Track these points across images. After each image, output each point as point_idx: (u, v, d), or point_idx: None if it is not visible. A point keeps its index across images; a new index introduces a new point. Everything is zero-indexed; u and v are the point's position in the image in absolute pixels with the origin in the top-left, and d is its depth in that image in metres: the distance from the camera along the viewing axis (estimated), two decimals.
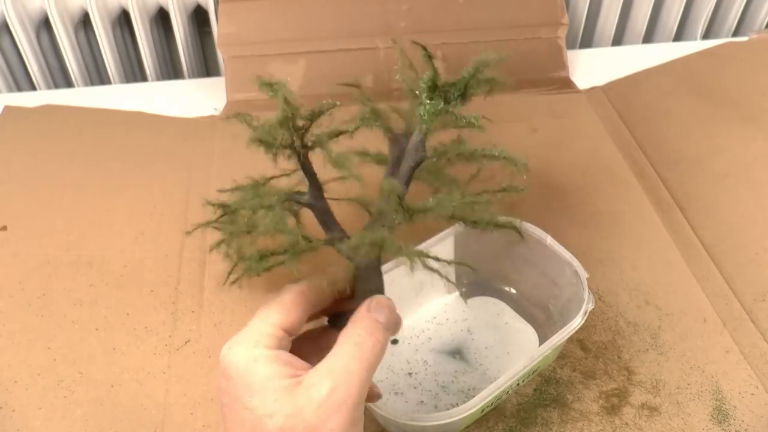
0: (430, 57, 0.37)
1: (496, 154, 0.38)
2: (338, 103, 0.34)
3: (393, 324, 0.34)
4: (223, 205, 0.36)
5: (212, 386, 0.49)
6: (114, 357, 0.51)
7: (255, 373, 0.31)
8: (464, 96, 0.37)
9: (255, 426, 0.30)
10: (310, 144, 0.35)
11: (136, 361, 0.51)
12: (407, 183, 0.37)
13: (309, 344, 0.36)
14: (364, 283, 0.36)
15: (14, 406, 0.48)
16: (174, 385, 0.49)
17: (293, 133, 0.33)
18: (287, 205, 0.35)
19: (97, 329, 0.53)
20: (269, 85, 0.34)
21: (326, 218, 0.36)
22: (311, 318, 0.36)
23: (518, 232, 0.47)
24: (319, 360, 0.32)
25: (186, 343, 0.52)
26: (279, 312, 0.33)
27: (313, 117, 0.34)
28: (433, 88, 0.36)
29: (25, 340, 0.52)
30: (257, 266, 0.34)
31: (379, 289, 0.37)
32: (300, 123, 0.34)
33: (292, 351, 0.34)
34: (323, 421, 0.29)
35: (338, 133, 0.35)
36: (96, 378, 0.49)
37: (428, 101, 0.36)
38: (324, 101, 0.34)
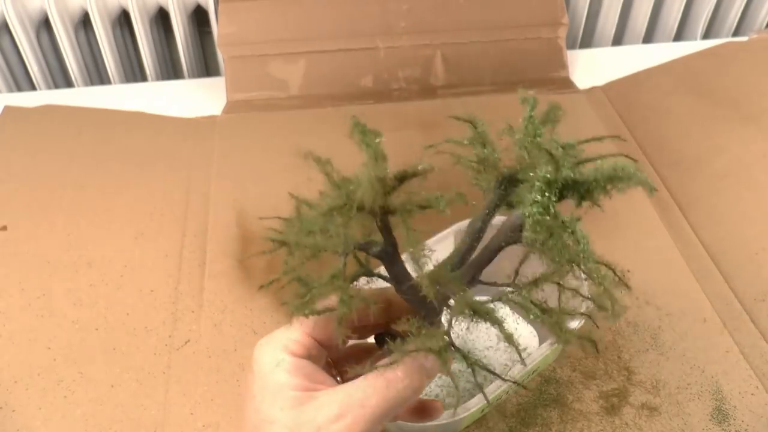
0: (551, 153, 0.31)
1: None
2: (434, 168, 0.29)
3: (435, 372, 0.33)
4: (281, 242, 0.31)
5: (212, 386, 0.49)
6: (114, 357, 0.51)
7: (273, 376, 0.30)
8: (583, 199, 0.32)
9: (256, 428, 0.30)
10: (393, 209, 0.30)
11: (136, 361, 0.51)
12: (486, 262, 0.34)
13: (355, 357, 0.35)
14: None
15: (14, 406, 0.48)
16: (174, 385, 0.49)
17: (378, 195, 0.28)
18: (354, 253, 0.31)
19: (97, 329, 0.53)
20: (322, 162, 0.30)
21: (397, 271, 0.33)
22: (360, 333, 0.35)
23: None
24: (353, 377, 0.31)
25: (186, 343, 0.52)
26: (316, 322, 0.32)
27: (404, 178, 0.29)
28: (550, 184, 0.31)
29: (25, 340, 0.52)
30: (303, 308, 0.31)
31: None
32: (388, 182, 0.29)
33: (339, 360, 0.33)
34: None
35: (426, 206, 0.30)
36: (96, 378, 0.49)
37: (539, 197, 0.31)
38: (420, 165, 0.29)
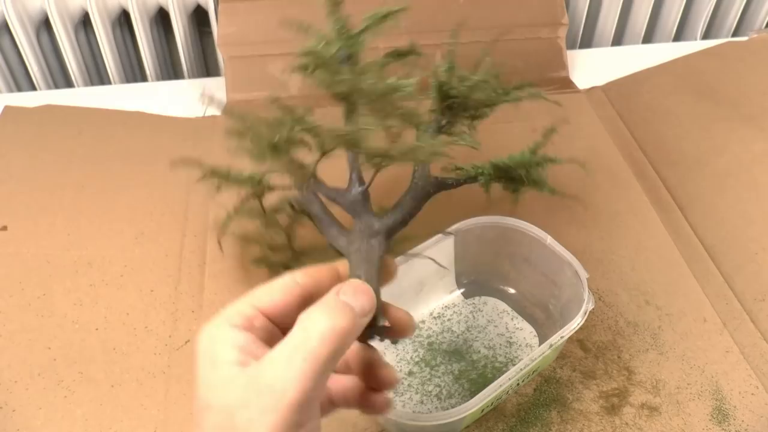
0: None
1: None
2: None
3: (368, 310, 0.30)
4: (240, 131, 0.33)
5: None
6: (114, 357, 0.51)
7: (207, 354, 0.28)
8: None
9: (199, 411, 0.27)
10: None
11: (136, 361, 0.51)
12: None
13: None
14: (353, 270, 0.34)
15: (14, 406, 0.48)
16: (174, 385, 0.49)
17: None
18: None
19: (97, 329, 0.53)
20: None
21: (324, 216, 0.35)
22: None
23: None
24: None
25: (186, 343, 0.52)
26: (262, 293, 0.30)
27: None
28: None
29: (25, 340, 0.52)
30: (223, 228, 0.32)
31: (369, 281, 0.34)
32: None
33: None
34: (251, 423, 0.26)
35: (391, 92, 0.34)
36: (96, 378, 0.49)
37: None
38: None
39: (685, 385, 0.49)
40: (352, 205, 0.36)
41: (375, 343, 0.35)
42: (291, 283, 0.31)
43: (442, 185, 0.39)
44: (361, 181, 0.36)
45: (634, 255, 0.59)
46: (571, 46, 0.98)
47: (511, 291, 0.55)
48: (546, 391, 0.49)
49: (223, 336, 0.28)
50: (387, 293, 0.50)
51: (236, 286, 0.56)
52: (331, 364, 0.27)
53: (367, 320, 0.30)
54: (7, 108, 0.75)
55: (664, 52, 0.86)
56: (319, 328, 0.27)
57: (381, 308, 0.33)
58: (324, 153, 0.34)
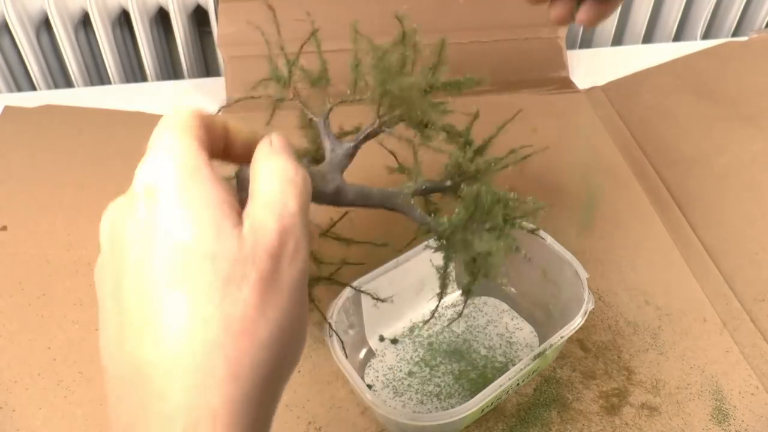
0: None
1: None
2: None
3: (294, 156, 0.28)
4: None
5: None
6: None
7: (194, 190, 0.23)
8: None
9: (186, 267, 0.22)
10: None
11: None
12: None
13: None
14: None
15: (14, 406, 0.48)
16: None
17: None
18: None
19: (97, 329, 0.52)
20: None
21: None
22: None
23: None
24: None
25: None
26: (199, 124, 0.26)
27: None
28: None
29: (25, 340, 0.52)
30: None
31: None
32: None
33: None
34: (278, 265, 0.23)
35: None
36: (96, 378, 0.49)
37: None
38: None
39: (685, 385, 0.49)
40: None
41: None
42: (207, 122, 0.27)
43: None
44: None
45: (634, 255, 0.59)
46: (571, 46, 0.98)
47: (511, 291, 0.55)
48: (546, 391, 0.49)
49: (202, 168, 0.24)
50: (387, 293, 0.50)
51: None
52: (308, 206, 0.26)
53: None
54: (7, 108, 0.75)
55: (664, 52, 0.86)
56: (284, 181, 0.25)
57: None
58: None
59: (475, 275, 0.35)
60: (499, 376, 0.42)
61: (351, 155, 0.36)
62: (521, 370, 0.43)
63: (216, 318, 0.22)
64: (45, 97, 0.79)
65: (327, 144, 0.36)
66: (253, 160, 0.27)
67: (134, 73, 0.97)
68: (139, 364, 0.22)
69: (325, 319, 0.44)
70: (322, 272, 0.40)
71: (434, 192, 0.38)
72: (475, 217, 0.34)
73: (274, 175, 0.25)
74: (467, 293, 0.36)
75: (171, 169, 0.24)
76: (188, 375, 0.22)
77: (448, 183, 0.38)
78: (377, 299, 0.44)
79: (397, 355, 0.51)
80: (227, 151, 0.29)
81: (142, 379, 0.22)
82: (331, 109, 0.38)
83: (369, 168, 0.40)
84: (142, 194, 0.24)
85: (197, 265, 0.22)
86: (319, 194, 0.33)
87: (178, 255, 0.23)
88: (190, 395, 0.22)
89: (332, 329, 0.43)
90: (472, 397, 0.41)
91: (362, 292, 0.44)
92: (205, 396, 0.22)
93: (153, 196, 0.24)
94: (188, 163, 0.24)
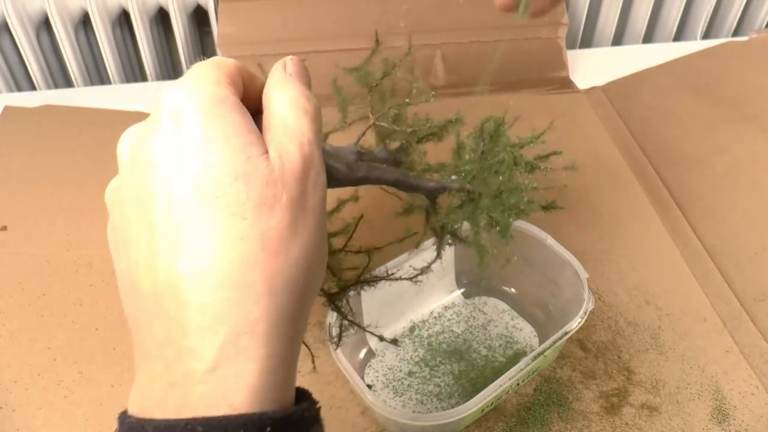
0: None
1: None
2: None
3: (309, 80, 0.29)
4: None
5: None
6: (114, 357, 0.51)
7: (223, 117, 0.24)
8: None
9: (218, 186, 0.23)
10: None
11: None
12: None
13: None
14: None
15: (14, 406, 0.48)
16: None
17: None
18: None
19: (97, 329, 0.53)
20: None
21: None
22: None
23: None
24: None
25: None
26: (231, 65, 0.26)
27: None
28: None
29: (25, 340, 0.52)
30: None
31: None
32: None
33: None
34: (305, 190, 0.24)
35: None
36: (96, 378, 0.49)
37: None
38: None
39: (685, 385, 0.49)
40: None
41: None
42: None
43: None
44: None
45: (634, 255, 0.59)
46: (571, 46, 0.98)
47: (511, 291, 0.55)
48: (546, 391, 0.49)
49: (230, 97, 0.25)
50: (387, 293, 0.50)
51: None
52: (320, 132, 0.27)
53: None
54: (7, 108, 0.75)
55: (664, 52, 0.86)
56: (302, 112, 0.26)
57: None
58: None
59: (503, 215, 0.36)
60: (499, 376, 0.42)
61: (357, 152, 0.36)
62: (521, 370, 0.43)
63: (252, 236, 0.23)
64: (45, 97, 0.79)
65: (327, 147, 0.36)
66: (267, 84, 0.27)
67: (134, 73, 0.97)
68: (175, 279, 0.23)
69: (340, 312, 0.44)
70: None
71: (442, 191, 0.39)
72: (487, 154, 0.36)
73: (290, 104, 0.26)
74: (505, 234, 0.37)
75: (201, 95, 0.24)
76: (227, 288, 0.22)
77: (454, 180, 0.38)
78: (385, 339, 0.48)
79: (397, 355, 0.51)
80: (244, 99, 0.29)
81: (178, 293, 0.22)
82: (327, 136, 0.38)
83: None
84: (170, 117, 0.24)
85: (230, 185, 0.23)
86: (332, 169, 0.33)
87: (209, 174, 0.23)
88: (229, 308, 0.22)
89: (344, 327, 0.43)
90: (472, 397, 0.41)
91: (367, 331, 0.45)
92: (245, 309, 0.22)
93: (180, 119, 0.24)
94: (218, 92, 0.25)
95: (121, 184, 0.25)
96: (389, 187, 0.37)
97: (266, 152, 0.24)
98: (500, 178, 0.37)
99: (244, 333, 0.22)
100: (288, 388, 0.24)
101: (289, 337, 0.24)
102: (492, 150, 0.37)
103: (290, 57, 0.29)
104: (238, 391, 0.22)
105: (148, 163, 0.24)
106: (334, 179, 0.33)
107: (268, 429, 0.22)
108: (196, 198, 0.23)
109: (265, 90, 0.27)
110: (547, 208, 0.39)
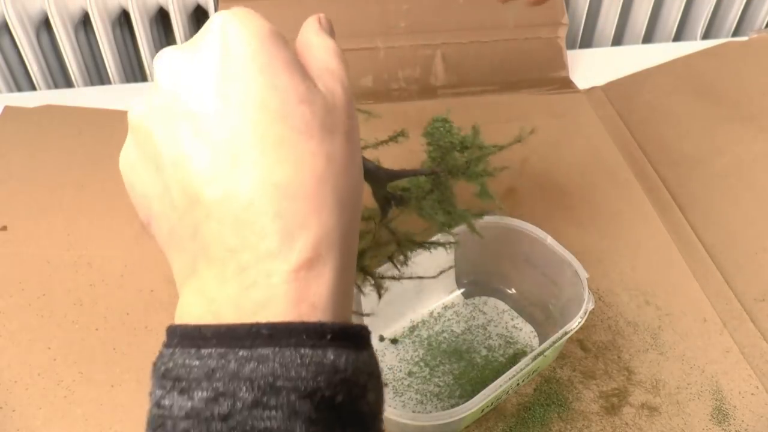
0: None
1: None
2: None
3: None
4: None
5: None
6: (114, 357, 0.51)
7: (281, 47, 0.25)
8: None
9: (285, 106, 0.24)
10: None
11: (136, 361, 0.51)
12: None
13: None
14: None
15: (14, 406, 0.48)
16: None
17: None
18: None
19: (97, 329, 0.53)
20: None
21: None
22: None
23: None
24: None
25: None
26: None
27: None
28: None
29: (25, 340, 0.52)
30: None
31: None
32: None
33: None
34: (352, 123, 0.26)
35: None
36: (96, 378, 0.49)
37: None
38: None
39: (685, 385, 0.49)
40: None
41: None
42: None
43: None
44: None
45: (634, 255, 0.59)
46: (571, 46, 0.98)
47: (511, 291, 0.55)
48: (546, 391, 0.49)
49: (280, 33, 0.26)
50: (387, 293, 0.50)
51: None
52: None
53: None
54: (7, 108, 0.75)
55: (664, 52, 0.86)
56: (340, 59, 0.28)
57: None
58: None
59: (477, 180, 0.40)
60: (499, 376, 0.42)
61: None
62: (521, 370, 0.43)
63: (320, 154, 0.24)
64: (45, 97, 0.79)
65: None
66: (302, 34, 0.29)
67: (134, 73, 0.97)
68: (247, 188, 0.23)
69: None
70: None
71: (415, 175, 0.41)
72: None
73: (330, 50, 0.28)
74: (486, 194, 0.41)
75: (258, 25, 0.25)
76: (303, 199, 0.23)
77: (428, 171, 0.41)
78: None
79: (397, 355, 0.51)
80: None
81: (254, 202, 0.23)
82: None
83: None
84: (225, 40, 0.25)
85: (297, 107, 0.24)
86: None
87: (277, 95, 0.24)
88: (307, 217, 0.24)
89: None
90: (472, 397, 0.41)
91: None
92: (322, 219, 0.24)
93: (240, 42, 0.25)
94: (271, 26, 0.26)
95: (160, 104, 0.26)
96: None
97: (317, 86, 0.26)
98: (465, 154, 0.40)
99: (323, 238, 0.24)
100: (348, 304, 0.26)
101: (352, 252, 0.26)
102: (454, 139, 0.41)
103: (323, 15, 0.30)
104: (317, 293, 0.23)
105: (201, 81, 0.24)
106: None
107: (329, 336, 0.23)
108: (265, 116, 0.24)
109: (300, 39, 0.29)
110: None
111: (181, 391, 0.22)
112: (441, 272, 0.49)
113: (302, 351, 0.22)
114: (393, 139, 0.42)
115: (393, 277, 0.43)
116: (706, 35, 1.03)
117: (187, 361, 0.22)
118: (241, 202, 0.23)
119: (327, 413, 0.22)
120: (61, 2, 0.82)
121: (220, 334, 0.23)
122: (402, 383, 0.49)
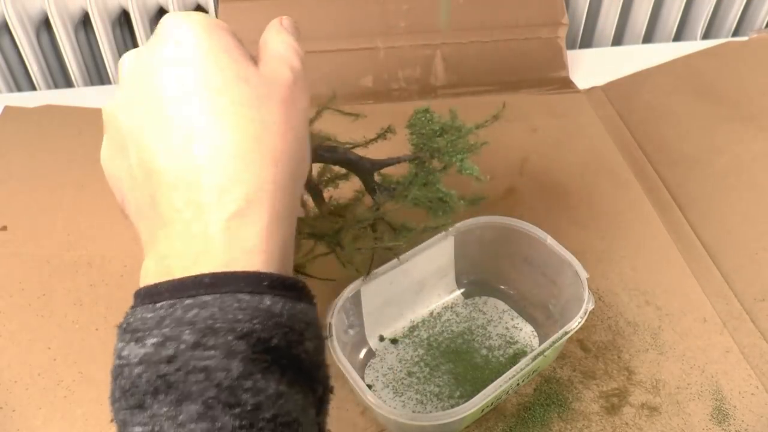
0: None
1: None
2: None
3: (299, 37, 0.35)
4: None
5: None
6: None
7: (222, 36, 0.29)
8: None
9: (226, 83, 0.28)
10: None
11: None
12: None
13: None
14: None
15: (14, 406, 0.48)
16: None
17: None
18: None
19: (97, 329, 0.53)
20: None
21: None
22: None
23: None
24: None
25: None
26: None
27: None
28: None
29: (25, 340, 0.52)
30: None
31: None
32: None
33: None
34: (293, 93, 0.30)
35: None
36: (96, 378, 0.49)
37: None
38: None
39: (685, 385, 0.49)
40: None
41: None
42: None
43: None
44: None
45: (634, 255, 0.59)
46: (571, 46, 0.98)
47: (511, 291, 0.55)
48: (546, 391, 0.49)
49: (223, 25, 0.30)
50: (388, 293, 0.51)
51: None
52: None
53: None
54: (7, 108, 0.75)
55: (664, 52, 0.86)
56: (293, 49, 0.32)
57: None
58: None
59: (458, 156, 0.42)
60: (499, 376, 0.42)
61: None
62: (521, 370, 0.43)
63: (257, 120, 0.28)
64: (45, 97, 0.79)
65: None
66: (265, 30, 0.33)
67: None
68: (193, 155, 0.27)
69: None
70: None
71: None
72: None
73: (284, 42, 0.32)
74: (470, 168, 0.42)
75: (201, 19, 0.29)
76: (239, 158, 0.27)
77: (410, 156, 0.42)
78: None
79: (397, 355, 0.51)
80: None
81: (197, 165, 0.27)
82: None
83: None
84: (174, 34, 0.29)
85: (236, 83, 0.28)
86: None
87: (219, 74, 0.28)
88: (242, 172, 0.27)
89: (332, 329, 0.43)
90: (472, 397, 0.41)
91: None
92: (255, 173, 0.27)
93: (187, 34, 0.28)
94: (213, 20, 0.29)
95: (123, 97, 0.30)
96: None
97: (258, 68, 0.29)
98: (444, 137, 0.42)
99: (255, 191, 0.27)
100: (288, 257, 0.28)
101: (289, 208, 0.28)
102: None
103: (286, 16, 0.34)
104: (249, 238, 0.26)
105: (157, 68, 0.28)
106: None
107: (266, 283, 0.26)
108: (209, 92, 0.27)
109: (263, 35, 0.32)
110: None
111: (137, 341, 0.25)
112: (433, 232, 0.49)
113: (240, 297, 0.25)
114: (381, 136, 0.44)
115: (373, 247, 0.44)
116: (706, 35, 1.03)
117: (143, 315, 0.26)
118: (187, 165, 0.27)
119: (264, 355, 0.25)
120: (61, 2, 0.82)
121: (171, 288, 0.26)
122: (402, 383, 0.49)
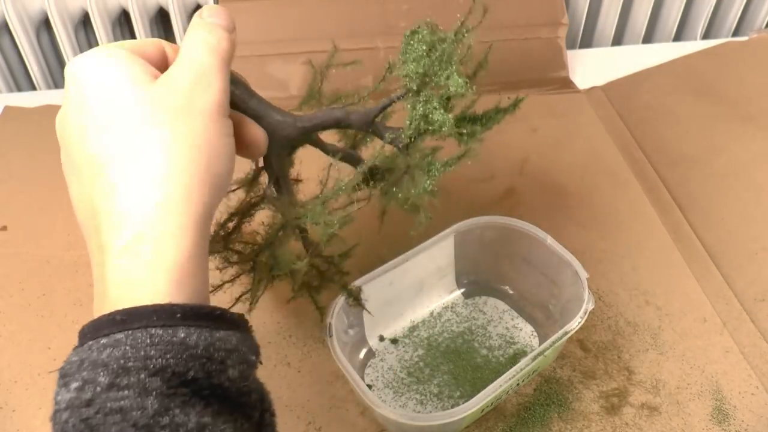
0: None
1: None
2: None
3: (232, 24, 0.34)
4: None
5: None
6: None
7: (109, 74, 0.29)
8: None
9: (112, 120, 0.28)
10: None
11: None
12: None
13: None
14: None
15: (14, 406, 0.48)
16: None
17: None
18: None
19: None
20: None
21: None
22: None
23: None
24: None
25: None
26: (132, 43, 0.32)
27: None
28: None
29: (25, 340, 0.52)
30: None
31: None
32: None
33: None
34: (193, 98, 0.29)
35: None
36: None
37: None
38: None
39: (685, 385, 0.49)
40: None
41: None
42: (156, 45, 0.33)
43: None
44: None
45: (634, 255, 0.59)
46: (571, 46, 0.98)
47: (511, 291, 0.55)
48: (546, 391, 0.49)
49: (115, 58, 0.29)
50: (387, 293, 0.51)
51: (234, 285, 0.56)
52: (227, 68, 0.32)
53: (234, 35, 0.34)
54: (7, 108, 0.75)
55: (664, 52, 0.86)
56: (213, 40, 0.31)
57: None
58: None
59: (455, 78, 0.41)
60: (499, 376, 0.42)
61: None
62: (521, 370, 0.43)
63: (142, 146, 0.28)
64: (45, 97, 0.79)
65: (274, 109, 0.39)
66: (188, 31, 0.32)
67: None
68: (93, 202, 0.29)
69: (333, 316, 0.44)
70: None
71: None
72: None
73: (197, 42, 0.31)
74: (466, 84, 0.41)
75: (95, 55, 0.30)
76: (128, 196, 0.27)
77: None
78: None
79: (397, 355, 0.51)
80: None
81: (97, 211, 0.29)
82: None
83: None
84: (74, 79, 0.30)
85: (129, 108, 0.28)
86: (276, 124, 0.38)
87: (107, 110, 0.29)
88: (135, 206, 0.27)
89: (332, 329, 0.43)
90: (472, 397, 0.41)
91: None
92: (145, 205, 0.27)
93: (84, 74, 0.30)
94: (108, 50, 0.30)
95: (65, 115, 0.34)
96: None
97: (155, 79, 0.29)
98: (431, 55, 0.41)
99: (146, 226, 0.27)
100: (200, 285, 0.28)
101: (198, 232, 0.28)
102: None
103: (207, 6, 0.33)
104: (152, 278, 0.26)
105: (65, 112, 0.33)
106: (280, 135, 0.38)
107: (178, 315, 0.25)
108: (98, 132, 0.30)
109: (188, 32, 0.32)
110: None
111: (65, 385, 0.26)
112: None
113: (152, 331, 0.25)
114: (376, 88, 0.43)
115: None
116: (706, 35, 1.03)
117: (71, 358, 0.26)
118: (91, 210, 0.28)
119: (182, 388, 0.24)
120: (61, 2, 0.82)
121: (92, 328, 0.26)
122: (402, 383, 0.49)
